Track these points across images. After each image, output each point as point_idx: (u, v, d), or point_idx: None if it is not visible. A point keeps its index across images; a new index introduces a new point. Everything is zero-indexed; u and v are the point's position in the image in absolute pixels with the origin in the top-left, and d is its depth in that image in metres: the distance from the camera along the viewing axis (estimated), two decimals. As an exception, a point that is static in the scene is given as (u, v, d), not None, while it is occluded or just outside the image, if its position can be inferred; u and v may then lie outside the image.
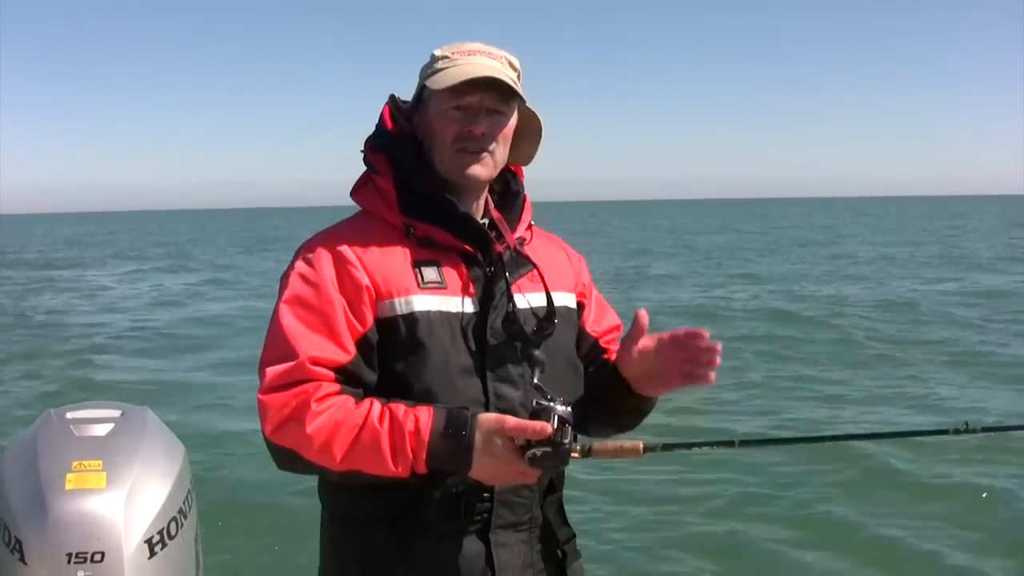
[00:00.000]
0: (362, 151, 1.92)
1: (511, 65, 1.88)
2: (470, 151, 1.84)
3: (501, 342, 1.81)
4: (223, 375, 11.15)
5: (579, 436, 1.81)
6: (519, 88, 1.85)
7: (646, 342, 1.84)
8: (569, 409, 1.68)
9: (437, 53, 1.88)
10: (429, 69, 1.87)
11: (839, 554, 5.69)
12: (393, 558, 1.79)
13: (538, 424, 1.65)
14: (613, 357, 1.96)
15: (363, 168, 1.93)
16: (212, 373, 11.50)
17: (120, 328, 15.87)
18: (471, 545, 1.80)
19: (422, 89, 1.88)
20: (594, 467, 6.20)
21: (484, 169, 1.86)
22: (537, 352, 1.81)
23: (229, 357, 12.34)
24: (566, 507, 1.98)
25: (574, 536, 1.96)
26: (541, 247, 2.00)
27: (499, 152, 1.88)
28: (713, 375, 1.78)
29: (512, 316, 1.82)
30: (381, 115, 1.92)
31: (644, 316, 1.84)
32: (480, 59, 1.85)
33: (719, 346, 1.76)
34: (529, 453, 1.65)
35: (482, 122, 1.83)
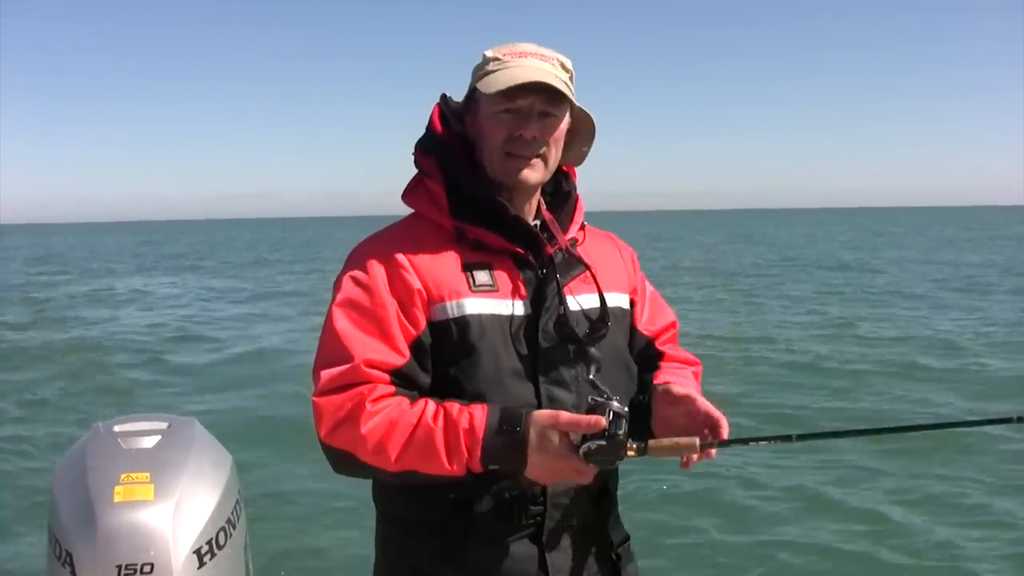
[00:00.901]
0: (413, 153, 1.91)
1: (563, 66, 1.86)
2: (520, 155, 1.82)
3: (553, 344, 1.80)
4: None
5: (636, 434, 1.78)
6: (570, 92, 1.83)
7: (683, 405, 1.84)
8: (625, 407, 1.67)
9: (488, 54, 1.86)
10: (480, 71, 1.85)
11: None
12: (443, 560, 1.78)
13: (592, 417, 1.64)
14: (661, 369, 1.98)
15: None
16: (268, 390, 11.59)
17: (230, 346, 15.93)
18: (523, 548, 1.79)
19: (473, 90, 1.86)
20: (650, 467, 6.15)
21: (534, 173, 1.85)
22: (593, 350, 1.81)
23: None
24: (621, 508, 1.97)
25: (628, 539, 1.94)
26: (594, 247, 1.99)
27: (551, 155, 1.86)
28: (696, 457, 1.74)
29: (563, 318, 1.81)
30: (430, 117, 1.91)
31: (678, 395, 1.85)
32: (531, 61, 1.82)
33: (724, 433, 1.75)
34: (584, 447, 1.63)
35: (533, 126, 1.81)
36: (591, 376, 1.75)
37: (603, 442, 1.62)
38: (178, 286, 28.26)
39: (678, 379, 1.95)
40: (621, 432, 1.63)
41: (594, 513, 1.87)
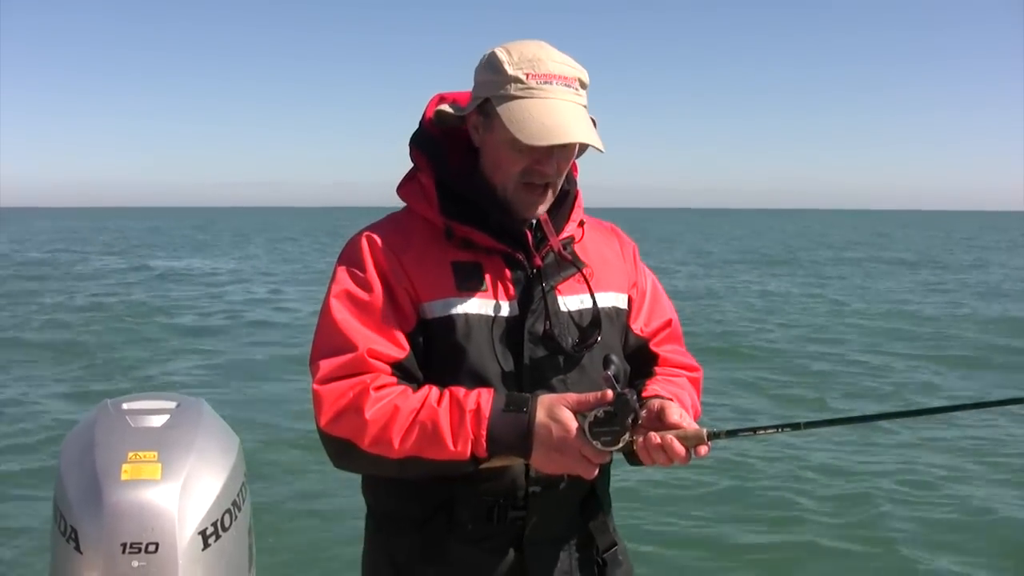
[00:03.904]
0: (409, 145, 1.89)
1: (581, 84, 1.79)
2: (536, 185, 1.78)
3: (539, 347, 1.77)
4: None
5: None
6: (594, 138, 1.75)
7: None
8: (633, 393, 1.65)
9: (509, 71, 1.74)
10: (500, 89, 1.75)
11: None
12: (423, 558, 1.78)
13: (599, 392, 1.62)
14: (655, 377, 1.90)
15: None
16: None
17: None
18: (504, 551, 1.78)
19: (486, 100, 1.77)
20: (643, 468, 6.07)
21: (545, 205, 1.82)
22: (585, 357, 1.79)
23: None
24: (616, 515, 1.94)
25: (615, 544, 1.91)
26: (593, 245, 1.94)
27: (560, 182, 1.83)
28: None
29: (549, 331, 1.77)
30: (424, 113, 1.87)
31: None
32: (557, 89, 1.74)
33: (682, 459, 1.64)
34: (590, 416, 1.60)
35: (553, 161, 1.77)
36: (609, 372, 1.69)
37: (610, 408, 1.59)
38: (197, 268, 28.45)
39: (673, 393, 1.85)
40: (628, 395, 1.60)
41: (579, 518, 1.85)
